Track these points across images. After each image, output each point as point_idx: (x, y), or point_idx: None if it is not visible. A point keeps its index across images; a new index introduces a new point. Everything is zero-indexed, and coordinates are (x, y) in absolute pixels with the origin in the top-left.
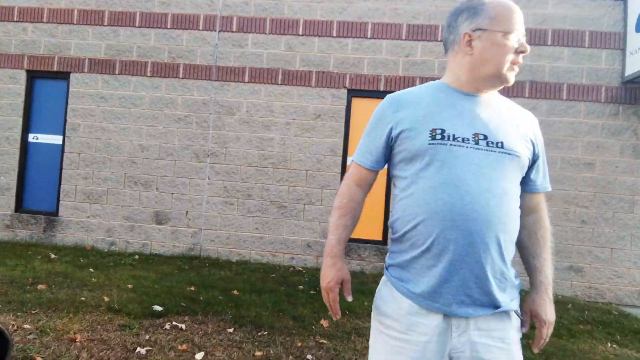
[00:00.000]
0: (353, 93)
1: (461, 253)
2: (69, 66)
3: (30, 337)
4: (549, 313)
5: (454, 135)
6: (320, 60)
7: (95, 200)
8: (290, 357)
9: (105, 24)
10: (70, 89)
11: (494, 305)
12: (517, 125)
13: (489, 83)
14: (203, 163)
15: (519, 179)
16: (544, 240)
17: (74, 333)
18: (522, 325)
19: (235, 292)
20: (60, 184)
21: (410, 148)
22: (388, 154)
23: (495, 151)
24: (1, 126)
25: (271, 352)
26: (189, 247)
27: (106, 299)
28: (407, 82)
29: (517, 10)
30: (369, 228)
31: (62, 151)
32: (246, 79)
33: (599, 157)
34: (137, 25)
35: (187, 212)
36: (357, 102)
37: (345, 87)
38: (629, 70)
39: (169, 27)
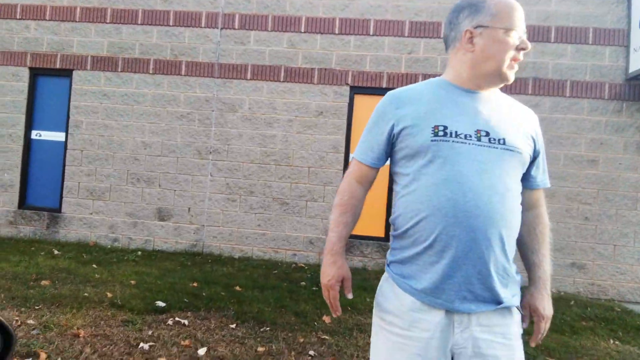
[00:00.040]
0: (355, 90)
1: (464, 249)
2: (71, 63)
3: (34, 332)
4: (547, 308)
5: (456, 132)
6: (323, 57)
7: (98, 196)
8: (293, 352)
9: (108, 21)
10: (72, 86)
11: (496, 301)
12: (518, 121)
13: (490, 81)
14: (205, 160)
15: (520, 175)
16: (542, 236)
17: (78, 328)
18: (522, 320)
19: (237, 288)
20: (63, 180)
21: (412, 145)
22: (389, 151)
23: (497, 148)
24: (4, 123)
25: (273, 347)
26: (191, 244)
27: (109, 294)
28: (410, 79)
29: (518, 7)
30: (371, 224)
31: (65, 148)
32: (248, 76)
33: (602, 154)
34: (139, 22)
35: (189, 208)
36: (359, 99)
37: (347, 84)
38: (633, 67)
39: (171, 24)
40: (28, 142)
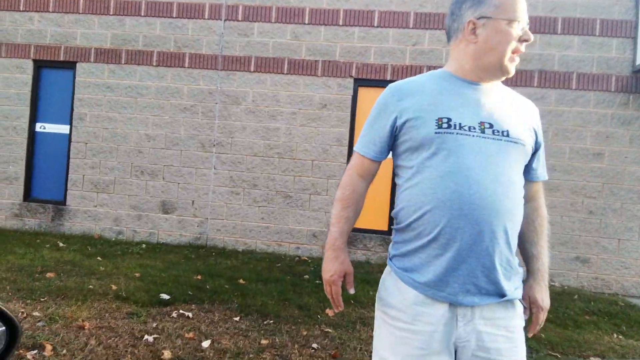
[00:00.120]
0: (359, 82)
1: (469, 242)
2: (75, 56)
3: (40, 324)
4: (545, 299)
5: (460, 124)
6: (327, 49)
7: (102, 189)
8: (296, 345)
9: (111, 13)
10: (76, 79)
11: (500, 294)
12: (520, 113)
13: (491, 73)
14: (209, 153)
15: (523, 167)
16: (541, 229)
17: (83, 321)
18: (523, 312)
19: (241, 281)
20: (67, 173)
21: (416, 137)
22: (392, 144)
23: (501, 140)
24: (9, 116)
25: (277, 340)
26: (195, 237)
27: (114, 287)
28: (415, 71)
29: None
30: (375, 218)
31: (69, 141)
32: (252, 69)
33: (608, 147)
34: (142, 14)
35: (193, 201)
36: (363, 92)
37: (351, 76)
38: None
39: (174, 16)
40: (32, 135)
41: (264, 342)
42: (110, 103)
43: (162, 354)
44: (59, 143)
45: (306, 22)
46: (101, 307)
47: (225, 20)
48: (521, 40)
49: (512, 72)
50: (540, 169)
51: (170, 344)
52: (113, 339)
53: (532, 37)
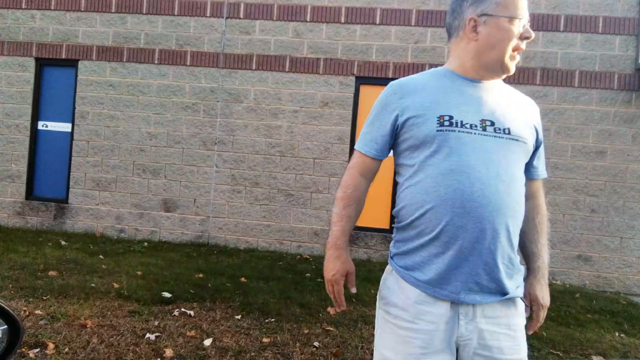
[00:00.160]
0: (361, 80)
1: (471, 240)
2: (77, 54)
3: (42, 322)
4: (545, 297)
5: (462, 122)
6: (328, 47)
7: (104, 187)
8: (297, 343)
9: (113, 10)
10: (78, 77)
11: (502, 292)
12: (521, 111)
13: (491, 71)
14: (211, 151)
15: (524, 165)
16: (541, 226)
17: (85, 319)
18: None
19: (243, 279)
20: (69, 171)
21: (417, 135)
22: (393, 142)
23: (502, 137)
24: (11, 114)
25: (278, 338)
26: (197, 235)
27: (116, 285)
28: (417, 68)
29: None
30: (376, 216)
31: (72, 139)
32: (253, 67)
33: (610, 145)
34: (144, 12)
35: (195, 199)
36: (365, 90)
37: (353, 74)
38: None
39: (176, 13)
40: (35, 133)
41: (265, 340)
42: (112, 101)
43: (164, 352)
44: (61, 141)
45: (308, 19)
46: (103, 306)
47: (226, 17)
48: (522, 37)
49: (513, 70)
50: (541, 166)
51: (172, 342)
52: (115, 337)
53: (533, 34)
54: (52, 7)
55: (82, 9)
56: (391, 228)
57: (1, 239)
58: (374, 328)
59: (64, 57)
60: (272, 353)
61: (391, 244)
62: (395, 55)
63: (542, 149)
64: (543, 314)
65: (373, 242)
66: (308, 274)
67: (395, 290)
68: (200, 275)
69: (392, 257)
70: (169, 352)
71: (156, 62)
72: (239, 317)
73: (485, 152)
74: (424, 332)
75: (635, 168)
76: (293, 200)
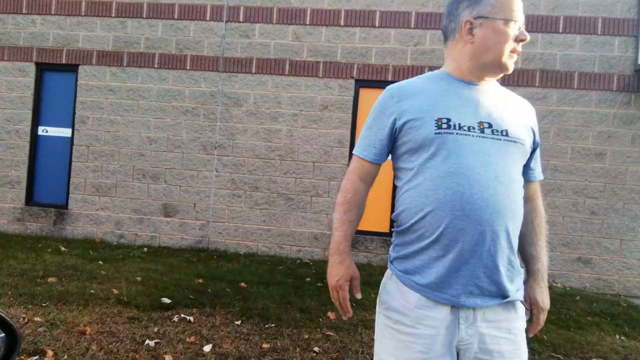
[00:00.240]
0: (361, 83)
1: (471, 243)
2: (77, 58)
3: (41, 329)
4: (545, 300)
5: (459, 124)
6: (328, 50)
7: (104, 193)
8: (298, 349)
9: (113, 15)
10: (78, 82)
11: (503, 295)
12: (518, 113)
13: (490, 71)
14: (211, 155)
15: (522, 166)
16: (540, 229)
17: (84, 325)
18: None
19: (242, 284)
20: (69, 176)
21: (416, 138)
22: (391, 146)
23: (500, 139)
24: (11, 119)
25: (278, 344)
26: (197, 240)
27: (115, 291)
28: (416, 71)
29: None
30: (376, 220)
31: (72, 144)
32: (253, 70)
33: (610, 147)
34: (144, 16)
35: (195, 204)
36: (364, 93)
37: (352, 77)
38: None
39: (176, 17)
40: (35, 138)
41: (265, 346)
42: (112, 106)
43: (164, 358)
44: (61, 146)
45: (307, 23)
46: (102, 312)
47: (226, 21)
48: (517, 40)
49: (511, 69)
50: (538, 168)
51: (171, 349)
52: (114, 343)
53: (528, 36)
54: (53, 12)
55: (83, 14)
56: (391, 231)
57: (0, 245)
58: (374, 333)
59: (64, 62)
60: (272, 359)
61: (391, 248)
62: (394, 58)
63: (538, 151)
64: (543, 317)
65: (373, 246)
66: (308, 279)
67: (395, 295)
68: (200, 281)
69: (391, 262)
70: (168, 359)
71: (156, 66)
72: (238, 322)
73: (484, 154)
74: (424, 337)
75: (634, 170)
76: (293, 204)
